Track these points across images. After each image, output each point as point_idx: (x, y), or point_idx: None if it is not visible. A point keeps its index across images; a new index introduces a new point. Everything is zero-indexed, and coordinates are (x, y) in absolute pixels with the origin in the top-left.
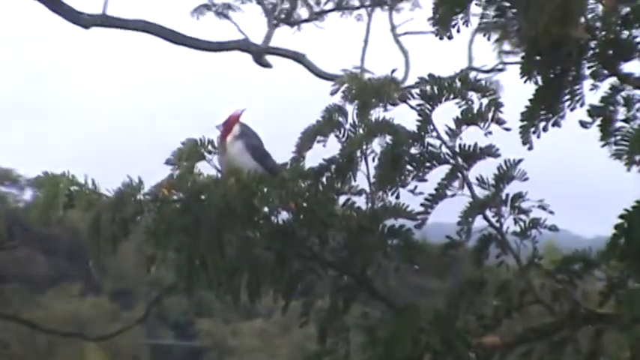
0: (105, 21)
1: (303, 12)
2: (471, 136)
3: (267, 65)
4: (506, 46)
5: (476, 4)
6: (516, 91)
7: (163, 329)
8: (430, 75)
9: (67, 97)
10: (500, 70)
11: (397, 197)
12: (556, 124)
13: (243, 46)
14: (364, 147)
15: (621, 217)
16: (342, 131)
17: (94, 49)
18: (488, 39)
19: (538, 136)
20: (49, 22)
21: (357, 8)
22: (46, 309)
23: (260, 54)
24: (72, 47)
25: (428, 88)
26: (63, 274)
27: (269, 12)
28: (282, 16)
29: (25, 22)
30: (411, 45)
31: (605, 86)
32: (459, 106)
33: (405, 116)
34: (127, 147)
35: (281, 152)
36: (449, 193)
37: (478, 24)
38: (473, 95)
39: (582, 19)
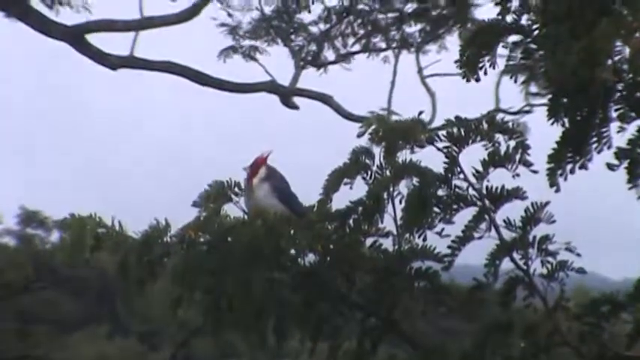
0: (132, 62)
1: (329, 54)
2: (498, 178)
3: (294, 107)
4: (533, 88)
5: (502, 47)
6: (543, 133)
7: None
8: (457, 117)
9: (92, 136)
10: (527, 112)
11: (424, 239)
12: (583, 166)
13: (270, 87)
14: (391, 189)
15: None
16: (369, 173)
17: (120, 89)
18: (515, 81)
19: (565, 179)
20: (77, 63)
21: (384, 50)
22: (74, 351)
23: (287, 95)
24: (98, 88)
25: (455, 130)
26: (90, 316)
27: (296, 54)
28: (309, 58)
29: (53, 63)
30: (438, 87)
31: (632, 128)
32: (486, 148)
33: (431, 158)
34: (154, 191)
35: (308, 195)
36: (476, 235)
37: (505, 66)
38: (500, 137)
39: (609, 62)
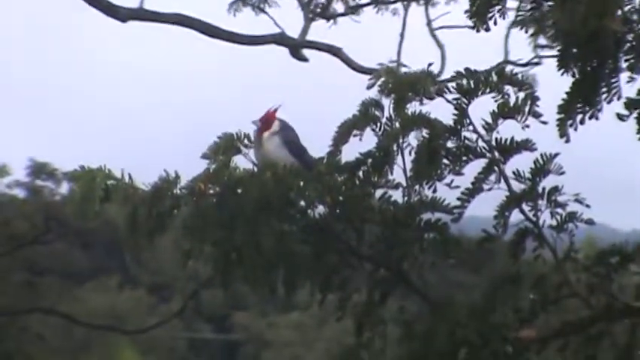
0: (142, 14)
1: (339, 6)
2: (508, 129)
3: (303, 59)
4: (542, 40)
5: None
6: (552, 86)
7: (200, 323)
8: (466, 69)
9: (100, 88)
10: (537, 64)
11: (434, 191)
12: (593, 116)
13: (279, 39)
14: (400, 141)
15: None
16: (379, 125)
17: (129, 42)
18: (526, 31)
19: (575, 129)
20: (85, 15)
21: (394, 2)
22: (83, 302)
23: (296, 48)
24: (108, 39)
25: (464, 82)
26: (100, 268)
27: (305, 6)
28: (319, 10)
29: (61, 14)
30: (447, 39)
31: None
32: (496, 100)
33: (441, 110)
34: (164, 141)
35: (317, 147)
36: (485, 186)
37: (514, 17)
38: (509, 89)
39: (619, 12)
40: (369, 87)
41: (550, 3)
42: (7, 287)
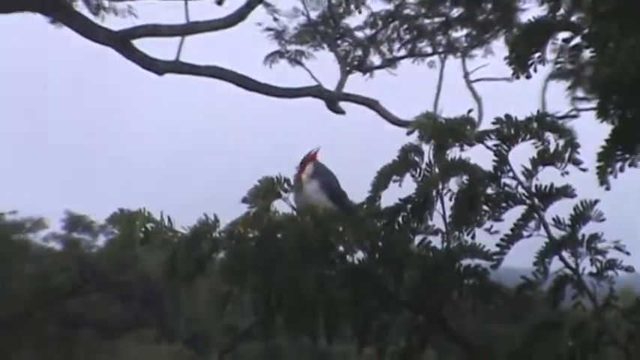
0: (178, 67)
1: (375, 59)
2: (548, 176)
3: (340, 112)
4: (580, 93)
5: (552, 43)
6: (590, 138)
7: None
8: (507, 115)
9: (135, 146)
10: (574, 116)
11: (473, 237)
12: (633, 164)
13: (316, 92)
14: (440, 186)
15: None
16: (418, 171)
17: (166, 95)
18: (566, 80)
19: (615, 177)
20: (123, 68)
21: (430, 55)
22: (120, 356)
23: (333, 100)
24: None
25: (505, 128)
26: (137, 320)
27: (342, 59)
28: (355, 62)
29: (97, 68)
30: (484, 92)
31: None
32: (536, 147)
33: (481, 157)
34: (207, 191)
35: (354, 198)
36: (525, 233)
37: (552, 70)
38: (549, 136)
39: None
40: (410, 132)
41: (590, 50)
42: (43, 340)
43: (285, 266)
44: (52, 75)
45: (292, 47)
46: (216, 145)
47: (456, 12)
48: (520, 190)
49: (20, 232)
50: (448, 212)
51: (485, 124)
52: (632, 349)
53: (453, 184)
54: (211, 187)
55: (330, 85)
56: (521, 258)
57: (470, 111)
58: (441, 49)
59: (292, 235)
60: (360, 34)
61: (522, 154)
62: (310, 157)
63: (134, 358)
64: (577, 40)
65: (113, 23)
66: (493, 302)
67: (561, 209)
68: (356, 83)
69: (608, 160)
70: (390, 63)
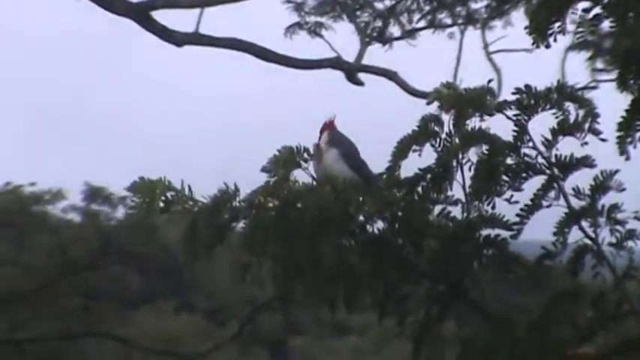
0: (197, 39)
1: (395, 30)
2: (567, 146)
3: (359, 83)
4: (599, 64)
5: (572, 13)
6: (609, 110)
7: (256, 347)
8: (526, 85)
9: (155, 116)
10: (593, 87)
11: (493, 207)
12: None
13: (335, 64)
14: (460, 156)
15: None
16: (438, 141)
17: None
18: (586, 51)
19: (635, 147)
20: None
21: (450, 26)
22: (140, 327)
23: (352, 72)
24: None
25: (524, 97)
26: (156, 292)
27: (361, 30)
28: (374, 34)
29: (114, 38)
30: (503, 64)
31: None
32: (556, 117)
33: (501, 127)
34: (230, 157)
35: (373, 168)
36: (545, 203)
37: (572, 41)
38: (569, 106)
39: None
40: (429, 103)
41: (610, 20)
42: (63, 312)
43: (305, 236)
44: (70, 44)
45: (312, 19)
46: (235, 118)
47: None
48: (540, 160)
49: (39, 203)
50: (468, 182)
51: (505, 96)
52: None
53: (473, 154)
54: (233, 156)
55: (350, 57)
56: (540, 230)
57: (490, 81)
58: (460, 21)
59: (312, 205)
60: (379, 5)
61: (542, 124)
62: (327, 125)
63: (154, 330)
64: (597, 10)
65: None
66: (513, 272)
67: (581, 179)
68: (375, 55)
69: (628, 130)
70: (409, 34)
